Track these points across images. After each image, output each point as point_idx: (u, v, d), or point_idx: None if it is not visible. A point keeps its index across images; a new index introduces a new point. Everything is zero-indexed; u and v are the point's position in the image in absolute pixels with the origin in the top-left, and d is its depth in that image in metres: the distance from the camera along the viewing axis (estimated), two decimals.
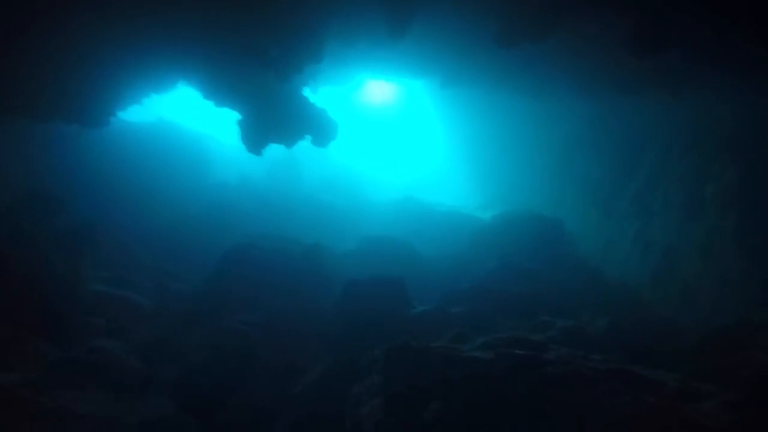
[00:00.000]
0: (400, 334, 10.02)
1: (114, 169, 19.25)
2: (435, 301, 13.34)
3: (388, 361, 6.81)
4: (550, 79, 20.45)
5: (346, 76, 22.13)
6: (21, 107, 15.44)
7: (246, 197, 21.67)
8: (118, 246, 15.07)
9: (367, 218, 22.87)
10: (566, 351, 7.38)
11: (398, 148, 33.17)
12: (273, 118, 16.39)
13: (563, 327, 10.51)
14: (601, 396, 5.98)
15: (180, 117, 28.18)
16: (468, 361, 6.43)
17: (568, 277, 16.83)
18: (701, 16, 10.49)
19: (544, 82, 20.99)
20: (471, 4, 13.78)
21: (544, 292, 14.56)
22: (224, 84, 16.13)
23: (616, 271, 18.91)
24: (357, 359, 8.27)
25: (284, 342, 10.42)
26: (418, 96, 28.40)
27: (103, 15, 13.95)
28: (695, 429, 5.66)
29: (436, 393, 6.11)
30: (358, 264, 15.95)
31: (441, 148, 29.87)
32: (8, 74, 14.13)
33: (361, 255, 16.77)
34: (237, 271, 12.78)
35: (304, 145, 24.66)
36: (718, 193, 16.18)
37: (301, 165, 26.59)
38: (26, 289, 10.61)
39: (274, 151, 24.42)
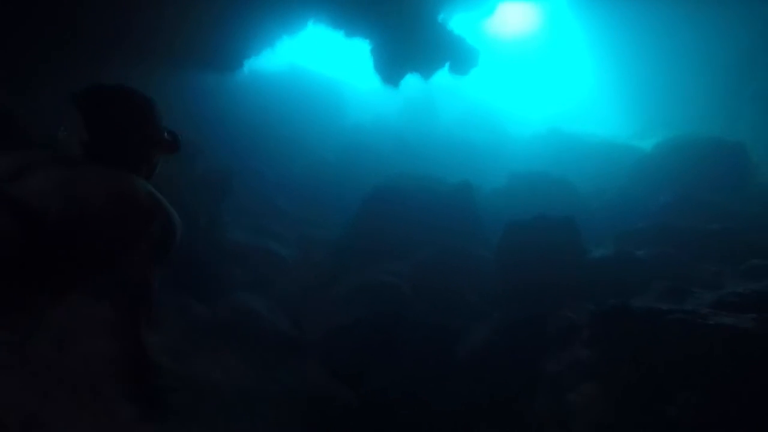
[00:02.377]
0: (580, 285, 8.13)
1: (249, 117, 18.42)
2: (609, 243, 11.22)
3: (599, 328, 4.96)
4: None
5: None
6: (156, 55, 14.84)
7: (382, 138, 20.19)
8: (257, 194, 14.16)
9: (509, 154, 20.68)
10: None
11: (539, 78, 30.00)
12: (407, 44, 14.52)
13: None
14: None
15: (312, 62, 27.09)
16: (718, 332, 4.44)
17: (761, 210, 13.83)
18: None
19: None
20: None
21: (736, 228, 11.83)
22: (355, 9, 14.45)
23: None
24: (536, 320, 6.51)
25: (437, 296, 8.84)
26: (561, 16, 25.13)
27: None
28: None
29: (679, 379, 4.25)
30: (510, 203, 13.98)
31: (588, 74, 26.48)
32: (141, 21, 13.48)
33: (511, 192, 14.77)
34: (380, 214, 11.32)
35: (439, 81, 22.71)
36: None
37: (436, 102, 24.66)
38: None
39: (409, 89, 22.80)
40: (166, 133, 2.41)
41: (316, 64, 27.51)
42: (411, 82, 20.31)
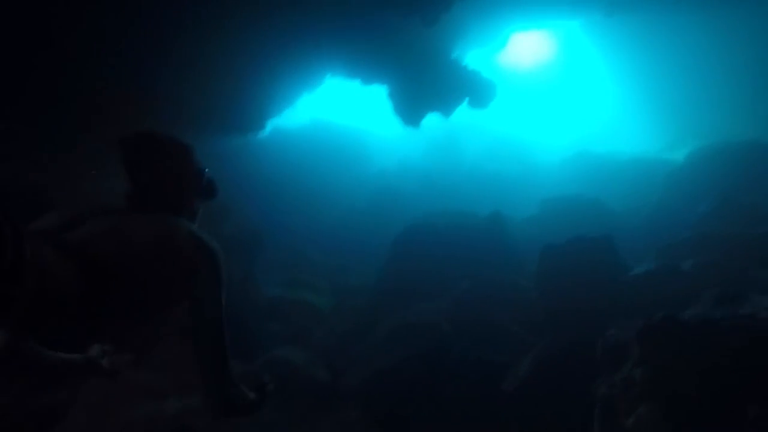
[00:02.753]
0: (625, 304, 7.75)
1: (275, 174, 18.60)
2: (651, 259, 10.78)
3: (650, 344, 4.63)
4: None
5: (491, 32, 19.76)
6: (182, 121, 15.15)
7: (408, 180, 20.16)
8: (288, 248, 14.12)
9: (539, 182, 20.37)
10: None
11: (560, 104, 29.75)
12: (424, 84, 14.58)
13: None
14: None
15: (333, 114, 27.43)
16: None
17: None
18: None
19: None
20: None
21: None
22: (370, 57, 14.59)
23: None
24: (583, 344, 6.17)
25: (479, 330, 8.52)
26: (575, 40, 25.03)
27: (243, 28, 13.31)
28: None
29: (746, 391, 3.88)
30: (544, 229, 13.64)
31: (610, 94, 26.20)
32: (166, 89, 13.82)
33: (544, 219, 14.44)
34: (412, 255, 11.11)
35: (460, 119, 22.62)
36: None
37: (459, 140, 24.63)
38: None
39: (431, 130, 22.81)
40: (204, 179, 2.50)
41: (337, 115, 27.85)
42: (433, 122, 20.34)
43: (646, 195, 16.92)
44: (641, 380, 4.44)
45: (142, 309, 2.12)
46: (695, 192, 14.89)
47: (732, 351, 4.14)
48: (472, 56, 20.83)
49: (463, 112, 18.46)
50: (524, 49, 25.49)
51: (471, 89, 15.74)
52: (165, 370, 7.35)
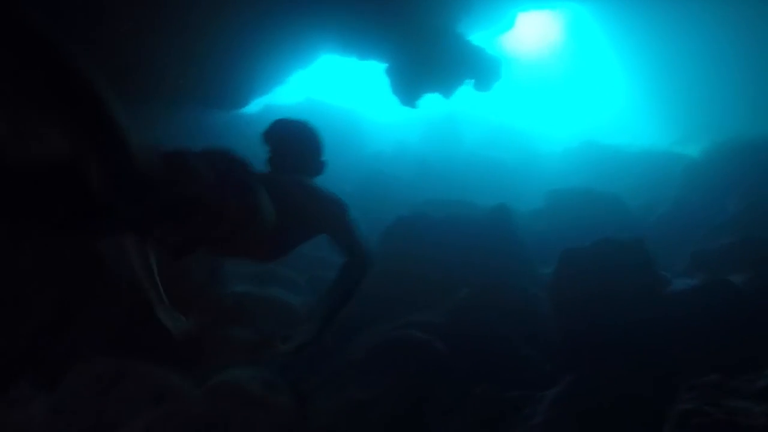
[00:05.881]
0: (669, 329, 5.86)
1: (260, 152, 16.62)
2: (683, 267, 8.89)
3: None
4: None
5: (498, 10, 17.76)
6: (159, 94, 13.31)
7: (404, 165, 18.17)
8: None
9: (542, 173, 18.45)
10: None
11: (566, 93, 27.68)
12: (423, 60, 12.58)
13: None
14: None
15: (330, 97, 25.53)
16: None
17: None
18: None
19: None
20: None
21: None
22: (367, 31, 12.60)
23: None
24: (619, 392, 4.31)
25: (481, 353, 6.63)
26: (584, 24, 22.92)
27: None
28: None
29: None
30: (553, 225, 11.78)
31: (619, 84, 24.16)
32: (142, 59, 12.02)
33: (552, 213, 12.54)
34: (403, 252, 9.16)
35: (461, 105, 20.62)
36: None
37: (459, 125, 22.65)
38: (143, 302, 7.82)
39: (429, 115, 20.90)
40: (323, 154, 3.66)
41: (334, 97, 26.02)
42: (431, 107, 18.40)
43: (658, 191, 15.06)
44: None
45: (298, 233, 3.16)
46: (719, 190, 12.97)
47: None
48: (476, 38, 18.83)
49: (463, 98, 16.58)
50: (530, 30, 23.26)
51: (474, 67, 13.75)
52: (73, 405, 5.43)
